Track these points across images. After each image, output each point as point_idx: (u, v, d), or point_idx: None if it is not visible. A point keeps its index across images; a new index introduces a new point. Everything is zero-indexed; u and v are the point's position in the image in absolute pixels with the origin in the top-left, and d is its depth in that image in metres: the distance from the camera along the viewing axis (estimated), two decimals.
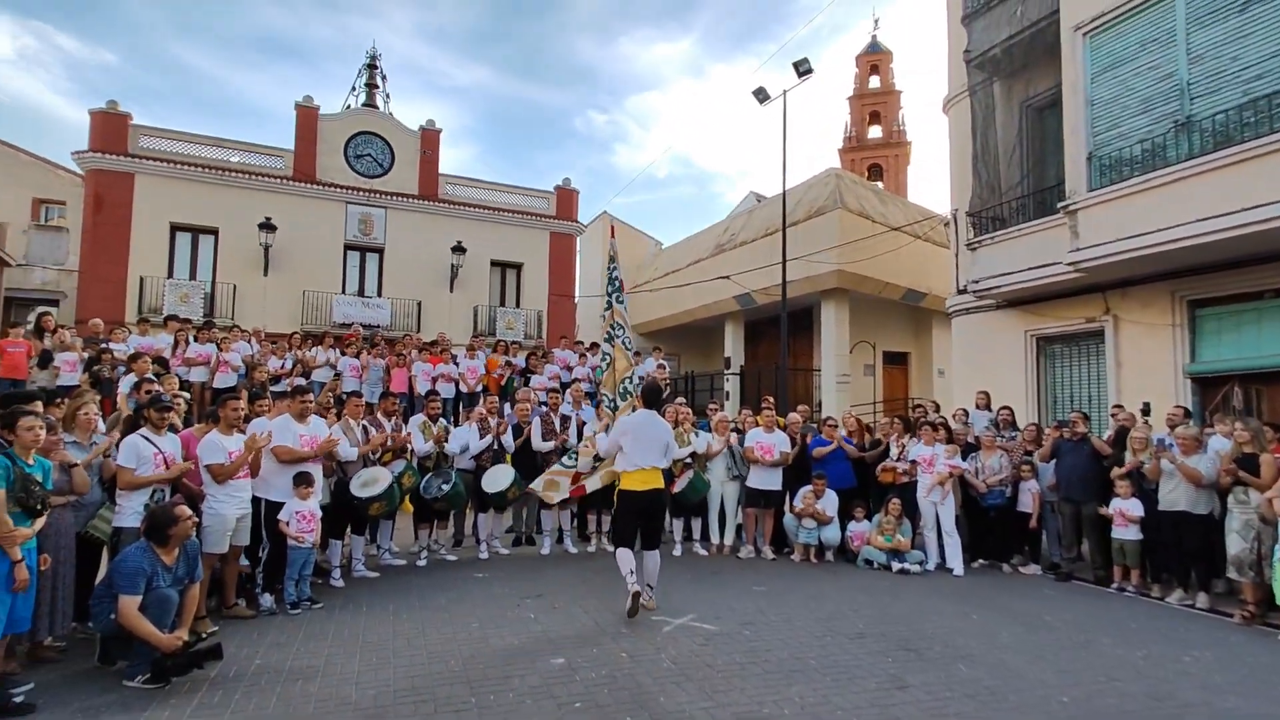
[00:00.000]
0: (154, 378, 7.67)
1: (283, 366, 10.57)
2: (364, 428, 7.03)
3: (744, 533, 8.49)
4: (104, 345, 9.57)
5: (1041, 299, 11.16)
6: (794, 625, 5.51)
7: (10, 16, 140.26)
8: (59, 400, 5.35)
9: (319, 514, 5.91)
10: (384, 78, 21.55)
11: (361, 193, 19.67)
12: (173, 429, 5.42)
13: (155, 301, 16.83)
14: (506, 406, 8.92)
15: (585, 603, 6.00)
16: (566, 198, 22.64)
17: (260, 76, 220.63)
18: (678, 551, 8.23)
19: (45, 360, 9.13)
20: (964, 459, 8.06)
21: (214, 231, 18.10)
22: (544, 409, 8.59)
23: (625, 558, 5.76)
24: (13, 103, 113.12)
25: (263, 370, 9.95)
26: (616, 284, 8.05)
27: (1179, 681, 4.57)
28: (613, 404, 7.79)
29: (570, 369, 12.17)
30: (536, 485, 7.62)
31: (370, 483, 6.58)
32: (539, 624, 5.40)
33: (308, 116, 19.40)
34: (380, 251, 19.93)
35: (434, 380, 10.74)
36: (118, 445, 5.03)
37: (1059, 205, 9.83)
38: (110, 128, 17.30)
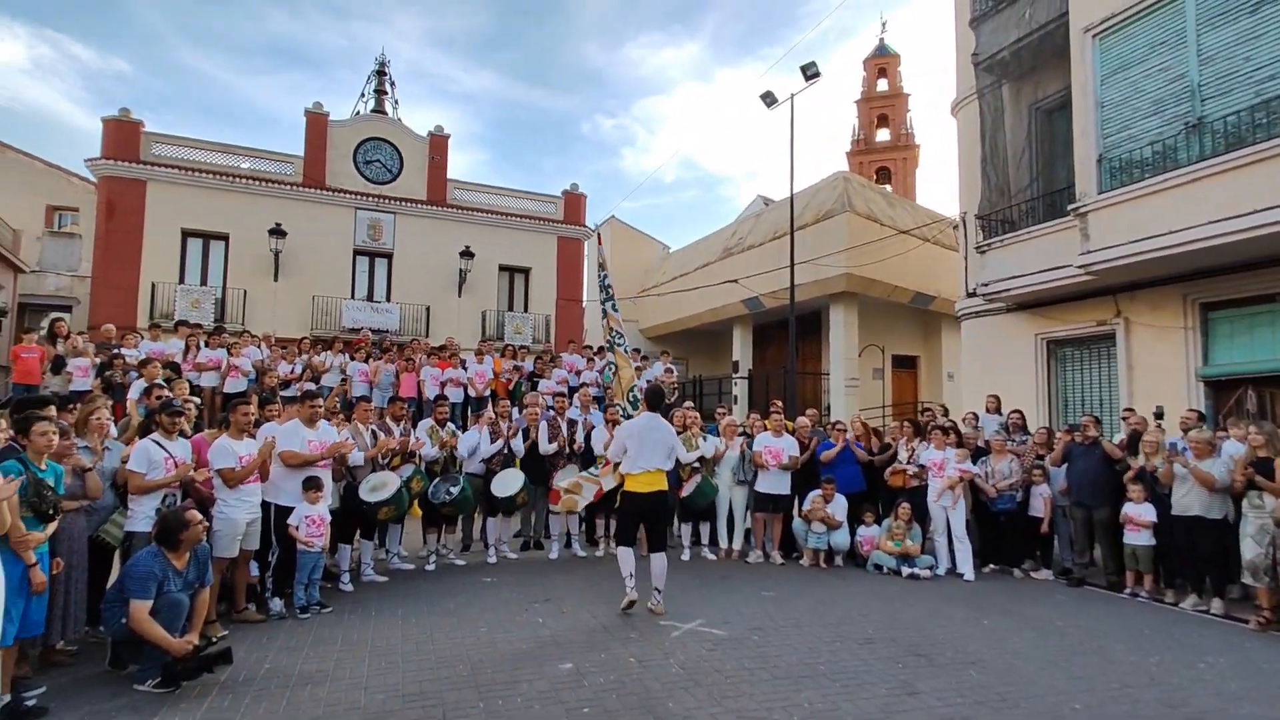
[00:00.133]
0: (164, 383, 7.73)
1: (292, 371, 10.62)
2: (373, 432, 7.06)
3: (753, 537, 8.47)
4: (116, 351, 9.64)
5: (1052, 302, 11.09)
6: (803, 630, 5.48)
7: (27, 27, 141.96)
8: (71, 406, 5.40)
9: (328, 518, 5.94)
10: (392, 84, 21.67)
11: (370, 198, 19.78)
12: (183, 434, 5.46)
13: (167, 307, 16.96)
14: (515, 411, 8.94)
15: (593, 607, 5.99)
16: (574, 202, 22.69)
17: (270, 83, 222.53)
18: (686, 556, 8.22)
19: (58, 366, 9.21)
20: (974, 463, 8.02)
21: (225, 237, 18.24)
22: (551, 413, 8.61)
23: (627, 558, 5.89)
24: (28, 111, 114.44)
25: (273, 375, 10.00)
26: (608, 291, 8.08)
27: (1193, 689, 4.51)
28: (625, 413, 7.79)
29: (578, 373, 12.18)
30: (561, 482, 7.59)
31: (379, 487, 6.61)
32: (547, 628, 5.39)
33: (317, 123, 19.54)
34: (389, 256, 20.02)
35: (442, 385, 10.77)
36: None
37: (1069, 207, 9.77)
38: (122, 135, 17.46)
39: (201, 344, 10.55)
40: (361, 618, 5.65)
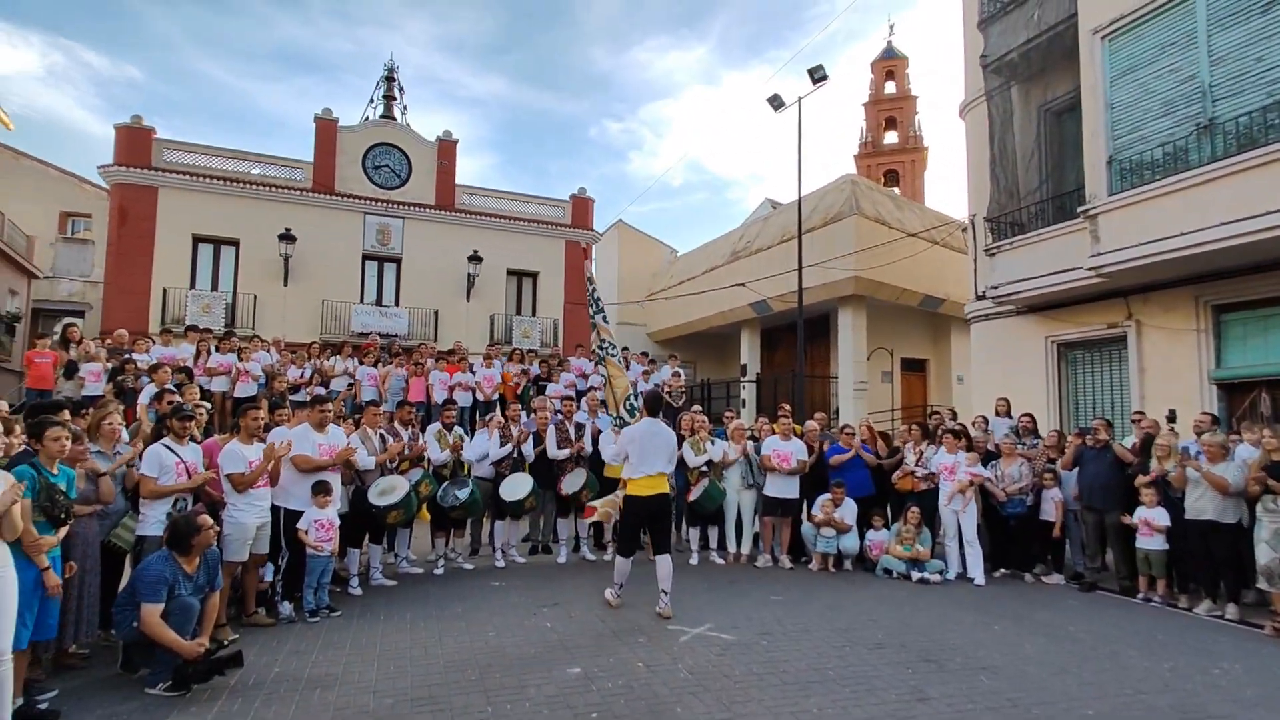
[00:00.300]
0: (174, 388, 7.79)
1: (302, 376, 10.67)
2: (381, 436, 7.08)
3: (761, 541, 8.44)
4: (127, 356, 9.72)
5: (1062, 304, 11.03)
6: (812, 635, 5.46)
7: (41, 35, 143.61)
8: (84, 411, 5.44)
9: (337, 522, 5.96)
10: (401, 89, 21.81)
11: (379, 203, 19.88)
12: (194, 439, 5.49)
13: (178, 312, 17.08)
14: (523, 415, 8.95)
15: (602, 612, 5.99)
16: (582, 206, 22.74)
17: (279, 89, 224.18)
18: (694, 560, 8.20)
19: (71, 371, 9.29)
20: (984, 467, 7.97)
21: (235, 243, 18.37)
22: (559, 417, 8.62)
23: (623, 568, 6.11)
24: (42, 118, 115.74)
25: (282, 380, 10.05)
26: (597, 303, 8.15)
27: (1208, 695, 4.47)
28: (620, 422, 7.80)
29: (586, 377, 12.18)
30: (569, 488, 7.84)
31: (388, 491, 6.63)
32: (555, 633, 5.39)
33: (327, 128, 19.67)
34: (398, 261, 20.11)
35: (451, 389, 10.79)
36: (140, 455, 5.10)
37: (1079, 209, 9.72)
38: (134, 142, 17.62)
39: (212, 349, 10.61)
40: (370, 621, 5.66)
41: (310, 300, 18.60)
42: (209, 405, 7.91)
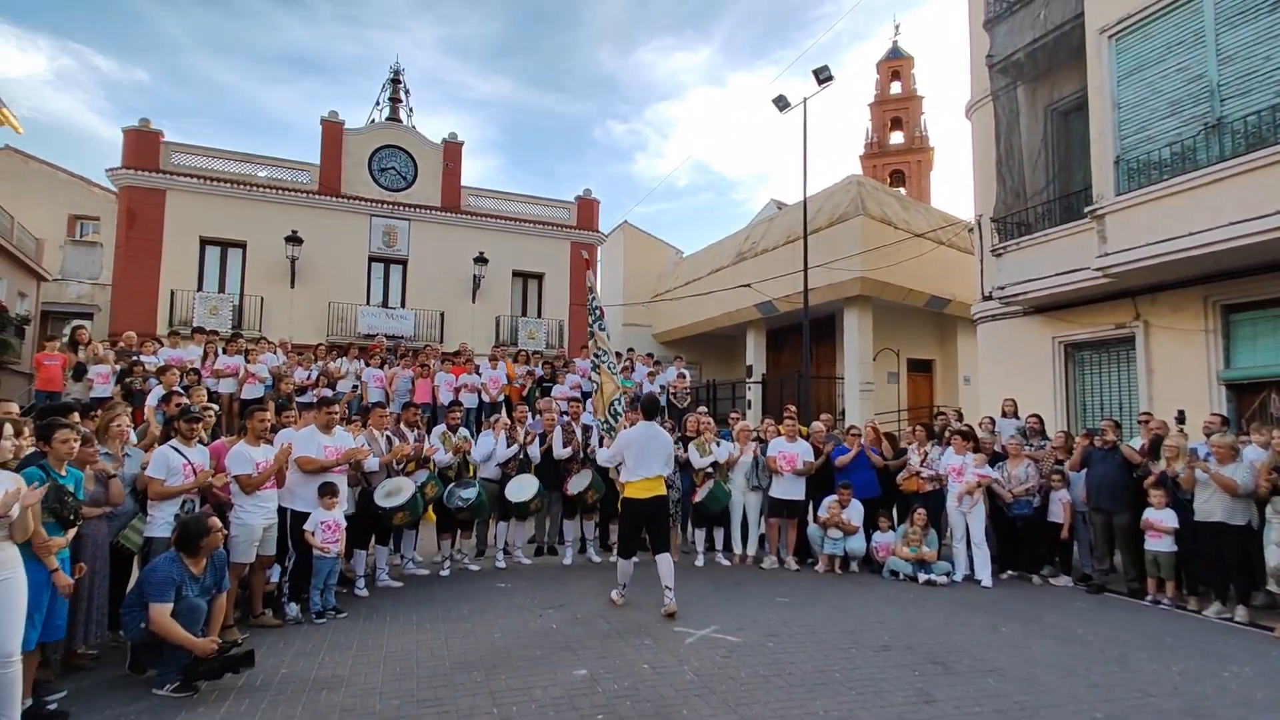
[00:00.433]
0: (182, 389, 7.83)
1: (308, 378, 10.71)
2: (388, 438, 7.10)
3: (767, 543, 8.43)
4: (135, 358, 9.77)
5: (1069, 305, 10.98)
6: (818, 637, 5.44)
7: (49, 38, 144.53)
8: (93, 413, 5.47)
9: (344, 524, 5.97)
10: (407, 92, 21.85)
11: (385, 205, 19.94)
12: (201, 440, 5.52)
13: (186, 314, 17.17)
14: (529, 416, 8.96)
15: (607, 613, 5.99)
16: (587, 208, 22.76)
17: (286, 91, 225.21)
18: (700, 562, 8.20)
19: (79, 373, 9.35)
20: (991, 468, 7.94)
21: (242, 245, 18.44)
22: (565, 418, 8.64)
23: (625, 569, 6.18)
24: (51, 122, 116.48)
25: (289, 381, 10.09)
26: (596, 312, 8.17)
27: (1217, 698, 4.44)
28: (607, 427, 7.84)
29: (591, 378, 12.19)
30: (575, 489, 7.85)
31: (394, 492, 6.64)
32: (561, 634, 5.39)
33: (333, 131, 19.73)
34: (404, 263, 20.16)
35: (457, 390, 10.82)
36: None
37: (1086, 210, 9.68)
38: (142, 145, 17.72)
39: (219, 350, 10.66)
40: (377, 623, 5.67)
41: (317, 302, 18.66)
42: (216, 407, 7.95)
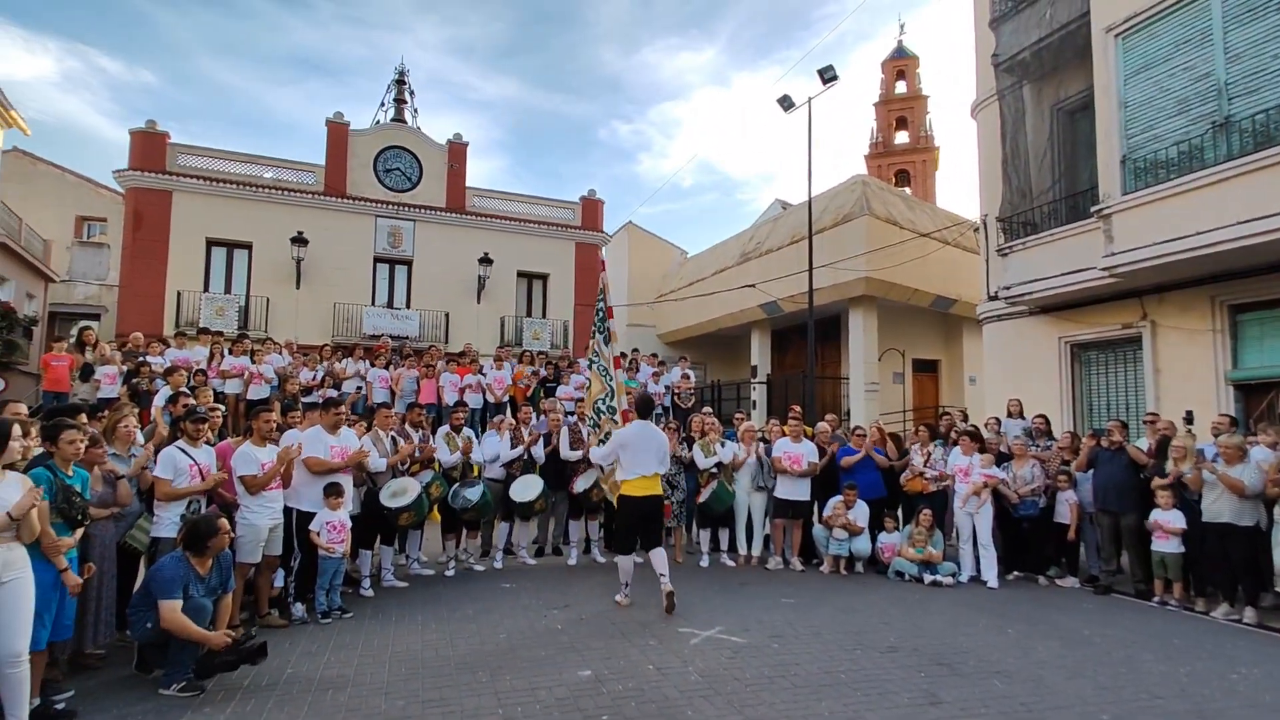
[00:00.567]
0: (188, 390, 7.85)
1: (314, 378, 10.73)
2: (393, 439, 7.12)
3: (772, 544, 8.42)
4: (142, 359, 9.81)
5: (1076, 305, 10.94)
6: (824, 638, 5.43)
7: (57, 41, 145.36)
8: (100, 414, 5.50)
9: (349, 524, 5.99)
10: (412, 93, 21.93)
11: (390, 206, 19.99)
12: (207, 441, 5.53)
13: (192, 315, 17.24)
14: (534, 416, 8.97)
15: (612, 614, 5.99)
16: (592, 208, 22.77)
17: (291, 92, 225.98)
18: (705, 562, 8.19)
19: (87, 374, 9.39)
20: (997, 468, 7.90)
21: (248, 246, 18.51)
22: (572, 419, 8.65)
23: (626, 566, 6.24)
24: (58, 123, 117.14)
25: (294, 382, 10.11)
26: (601, 314, 8.01)
27: (1225, 700, 4.41)
28: (594, 424, 7.82)
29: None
30: (581, 488, 7.88)
31: (400, 493, 6.66)
32: (566, 635, 5.40)
33: (338, 132, 19.79)
34: (409, 264, 20.21)
35: (461, 391, 10.83)
36: (155, 457, 5.15)
37: (1092, 209, 9.64)
38: (149, 146, 17.80)
39: (225, 351, 10.70)
40: (382, 623, 5.69)
41: (322, 303, 18.72)
42: (223, 408, 7.97)
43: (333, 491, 5.84)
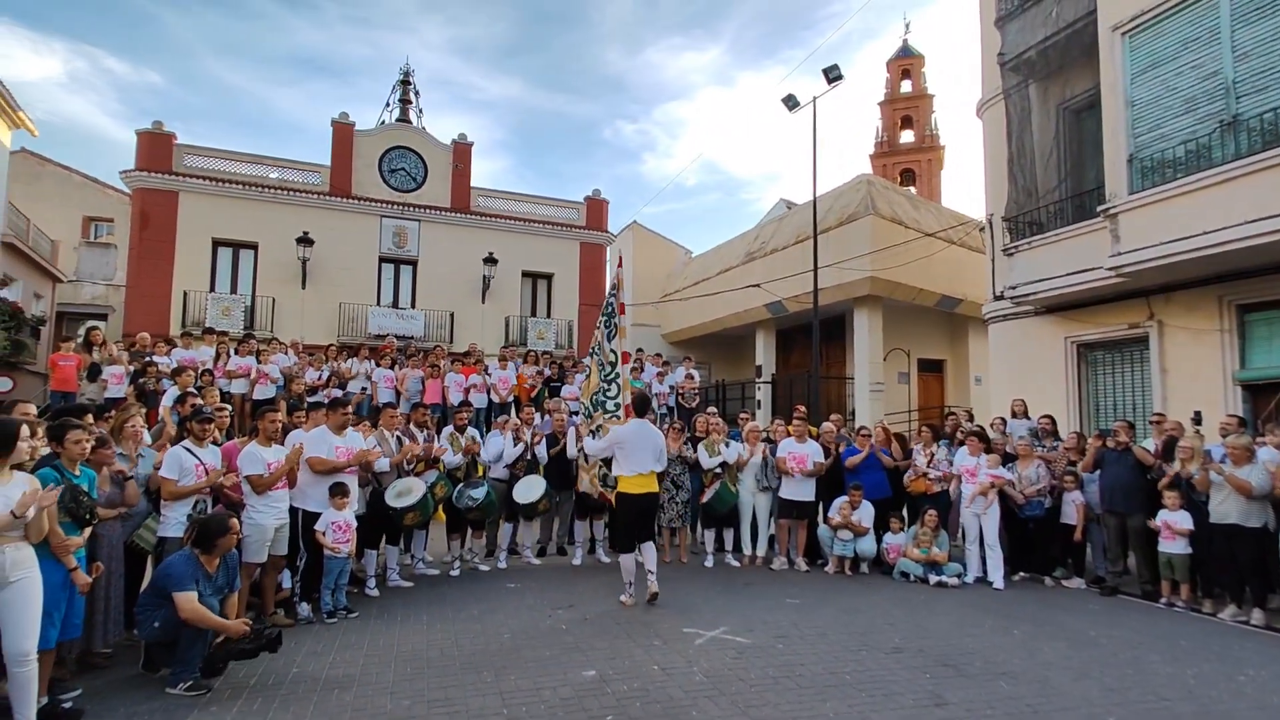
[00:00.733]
0: (195, 390, 7.88)
1: (320, 378, 10.77)
2: (398, 438, 7.13)
3: (777, 544, 8.41)
4: (148, 359, 9.85)
5: (1082, 305, 10.90)
6: (829, 639, 5.43)
7: (64, 42, 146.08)
8: (107, 415, 5.52)
9: (355, 524, 6.00)
10: (417, 93, 21.98)
11: (395, 206, 20.03)
12: (214, 441, 5.56)
13: (198, 315, 17.30)
14: (538, 416, 8.97)
15: (617, 614, 5.99)
16: (596, 208, 22.79)
17: (296, 93, 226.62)
18: (710, 563, 8.18)
19: (94, 373, 9.43)
20: (1003, 469, 7.88)
21: (254, 246, 18.58)
22: (577, 419, 8.63)
23: (629, 565, 6.26)
24: (65, 124, 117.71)
25: (300, 382, 10.14)
26: (609, 309, 7.90)
27: (1233, 702, 4.39)
28: (587, 413, 7.80)
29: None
30: (587, 487, 7.79)
31: (405, 493, 6.67)
32: (570, 635, 5.40)
33: (343, 132, 19.84)
34: (414, 264, 20.25)
35: (466, 391, 10.85)
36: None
37: (1099, 209, 9.60)
38: (156, 147, 17.88)
39: (231, 351, 10.73)
40: (387, 623, 5.70)
41: (328, 303, 18.78)
42: (230, 408, 8.00)
43: (338, 491, 5.86)
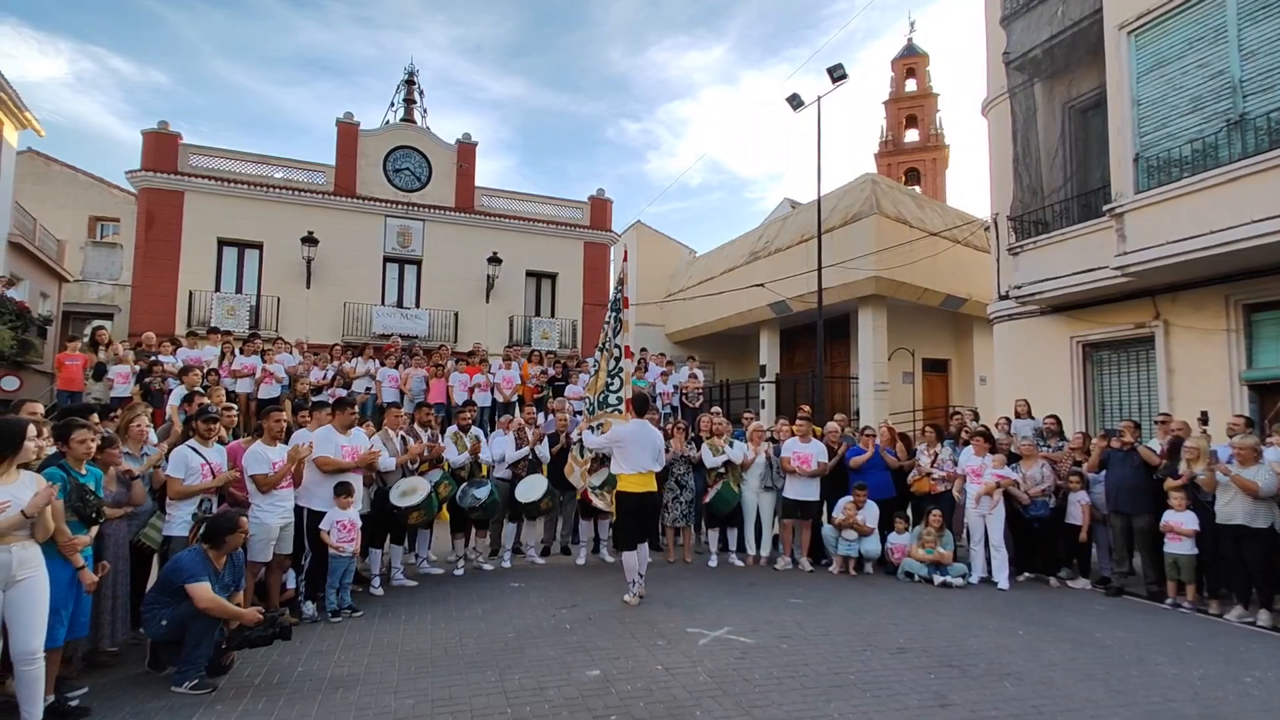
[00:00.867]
0: (203, 390, 7.91)
1: (324, 377, 10.80)
2: (403, 438, 7.14)
3: (781, 544, 8.40)
4: (154, 358, 9.89)
5: (1087, 304, 10.86)
6: (833, 639, 5.42)
7: (70, 43, 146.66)
8: (113, 414, 5.55)
9: (359, 523, 6.02)
10: (421, 93, 21.97)
11: (400, 206, 20.06)
12: (220, 440, 5.58)
13: (204, 314, 17.36)
14: (541, 416, 8.98)
15: (621, 614, 5.99)
16: (600, 207, 22.79)
17: (301, 93, 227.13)
18: (713, 562, 8.18)
19: (100, 373, 9.47)
20: (1008, 468, 7.86)
21: (259, 246, 18.62)
22: (580, 418, 8.63)
23: (632, 563, 6.30)
24: (72, 124, 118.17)
25: (305, 381, 10.17)
26: (617, 305, 7.85)
27: (1239, 703, 4.38)
28: (592, 408, 7.81)
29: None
30: (593, 483, 7.73)
31: (409, 492, 6.68)
32: (574, 635, 5.40)
33: (348, 132, 19.88)
34: (418, 263, 20.28)
35: (471, 390, 10.86)
36: (167, 456, 5.19)
37: (1105, 208, 9.57)
38: (161, 147, 17.93)
39: (236, 351, 10.77)
40: (392, 622, 5.71)
41: (332, 302, 18.82)
42: (235, 407, 8.03)
43: (343, 491, 5.87)
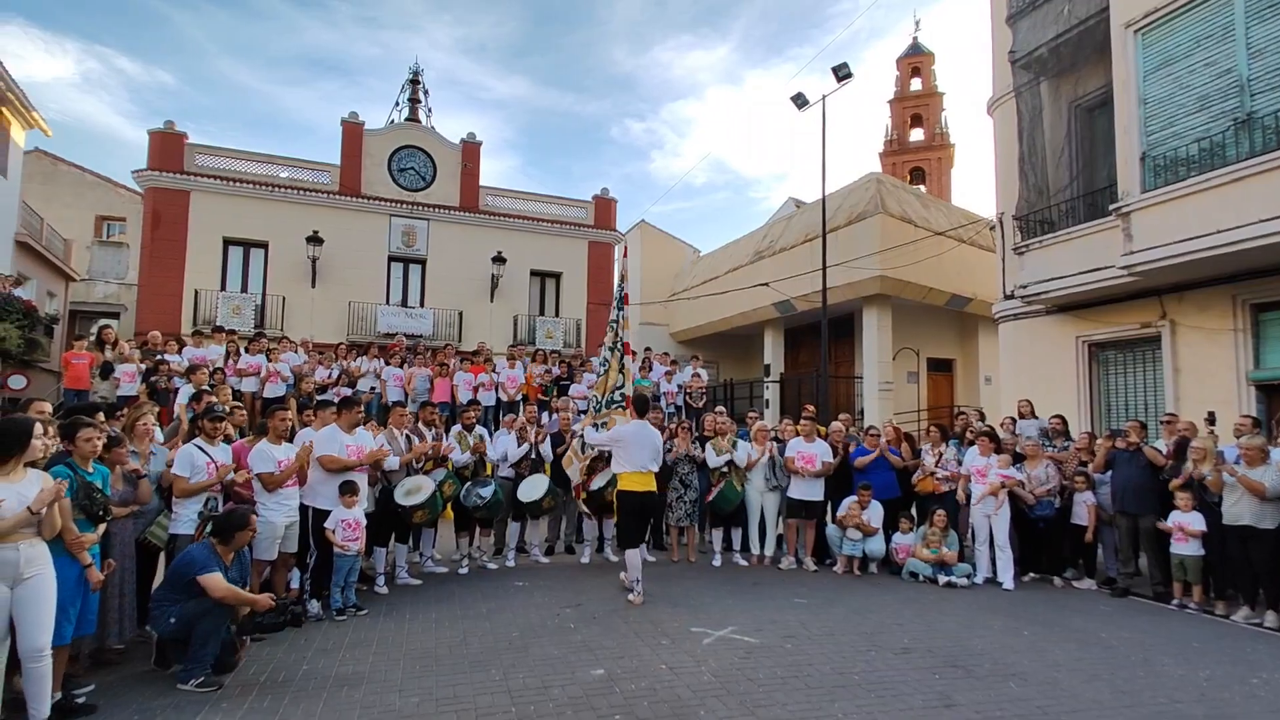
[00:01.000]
0: (210, 389, 7.94)
1: (329, 377, 10.82)
2: (407, 437, 7.16)
3: (785, 544, 8.39)
4: (160, 357, 9.92)
5: (1093, 304, 10.82)
6: (837, 639, 5.41)
7: (77, 43, 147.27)
8: (119, 413, 5.57)
9: (364, 522, 6.03)
10: (426, 92, 22.00)
11: (405, 205, 20.10)
12: (227, 439, 5.60)
13: (209, 313, 17.42)
14: (544, 415, 8.98)
15: (625, 613, 5.99)
16: (604, 207, 22.79)
17: (306, 92, 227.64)
18: (717, 562, 8.18)
19: (106, 371, 9.51)
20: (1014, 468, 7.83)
21: (264, 245, 18.68)
22: (583, 418, 8.64)
23: (634, 562, 6.34)
24: (78, 124, 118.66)
25: (310, 381, 10.19)
26: (619, 301, 7.91)
27: (1246, 705, 4.36)
28: (599, 406, 7.80)
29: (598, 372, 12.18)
30: (572, 473, 7.84)
31: (414, 491, 6.70)
32: (578, 634, 5.41)
33: (353, 132, 19.92)
34: (423, 263, 20.30)
35: (475, 389, 10.87)
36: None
37: (1111, 207, 9.53)
38: (167, 147, 18.00)
39: (242, 350, 10.80)
40: (396, 621, 5.72)
41: (337, 301, 18.87)
42: (242, 405, 8.05)
43: (348, 490, 5.89)
